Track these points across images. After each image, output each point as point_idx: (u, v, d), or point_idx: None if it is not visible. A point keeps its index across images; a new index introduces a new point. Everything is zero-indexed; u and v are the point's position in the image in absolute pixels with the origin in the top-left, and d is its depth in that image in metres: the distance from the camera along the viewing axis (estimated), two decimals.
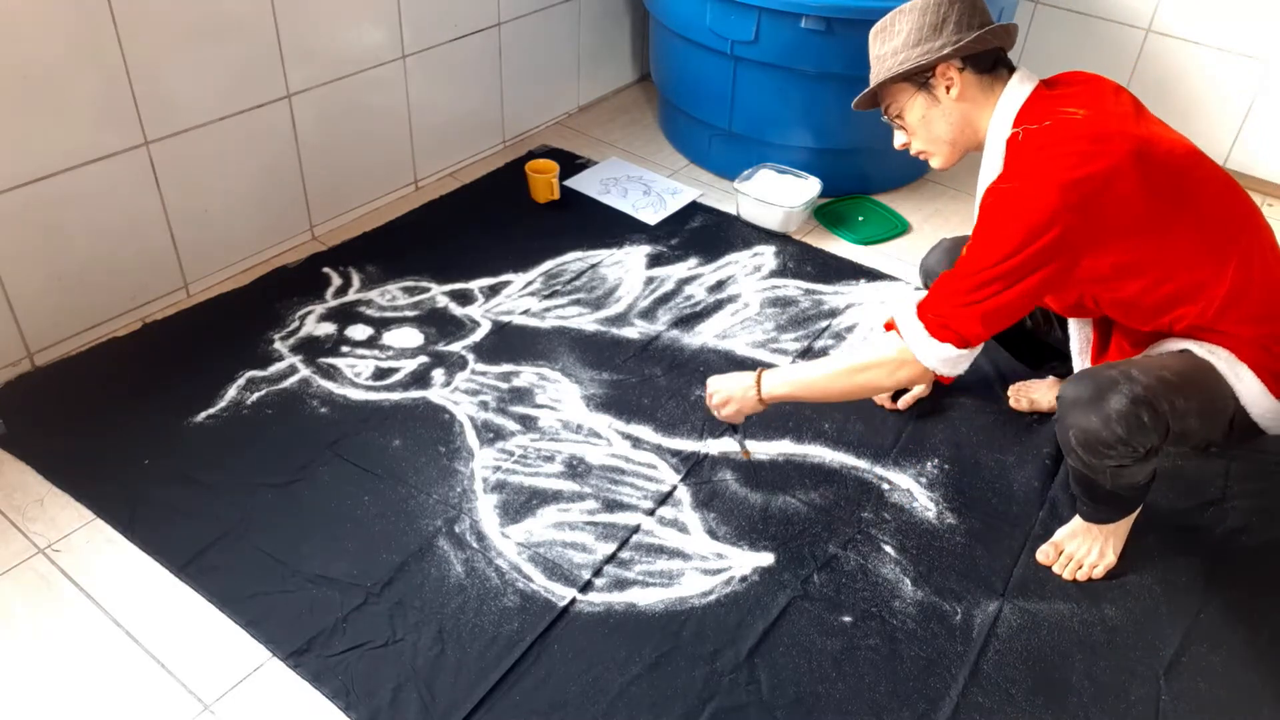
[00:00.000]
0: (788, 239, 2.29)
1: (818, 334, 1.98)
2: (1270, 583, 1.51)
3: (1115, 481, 1.38)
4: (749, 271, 2.16)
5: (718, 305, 2.05)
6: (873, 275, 2.17)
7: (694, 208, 2.40)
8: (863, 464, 1.68)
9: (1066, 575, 1.50)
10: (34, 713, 1.25)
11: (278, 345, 1.85)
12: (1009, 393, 1.82)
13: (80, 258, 1.78)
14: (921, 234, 2.36)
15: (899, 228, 2.37)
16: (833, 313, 2.04)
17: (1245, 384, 1.33)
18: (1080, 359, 1.55)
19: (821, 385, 1.44)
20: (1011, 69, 1.40)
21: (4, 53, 1.55)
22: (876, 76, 1.43)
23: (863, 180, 2.50)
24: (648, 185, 2.48)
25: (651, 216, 2.34)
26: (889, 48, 1.41)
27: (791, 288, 2.12)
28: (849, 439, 1.72)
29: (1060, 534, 1.54)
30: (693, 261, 2.19)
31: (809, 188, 2.32)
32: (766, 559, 1.50)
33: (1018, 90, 1.36)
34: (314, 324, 1.92)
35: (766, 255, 2.22)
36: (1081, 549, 1.51)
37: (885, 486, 1.64)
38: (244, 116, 1.93)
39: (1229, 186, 1.35)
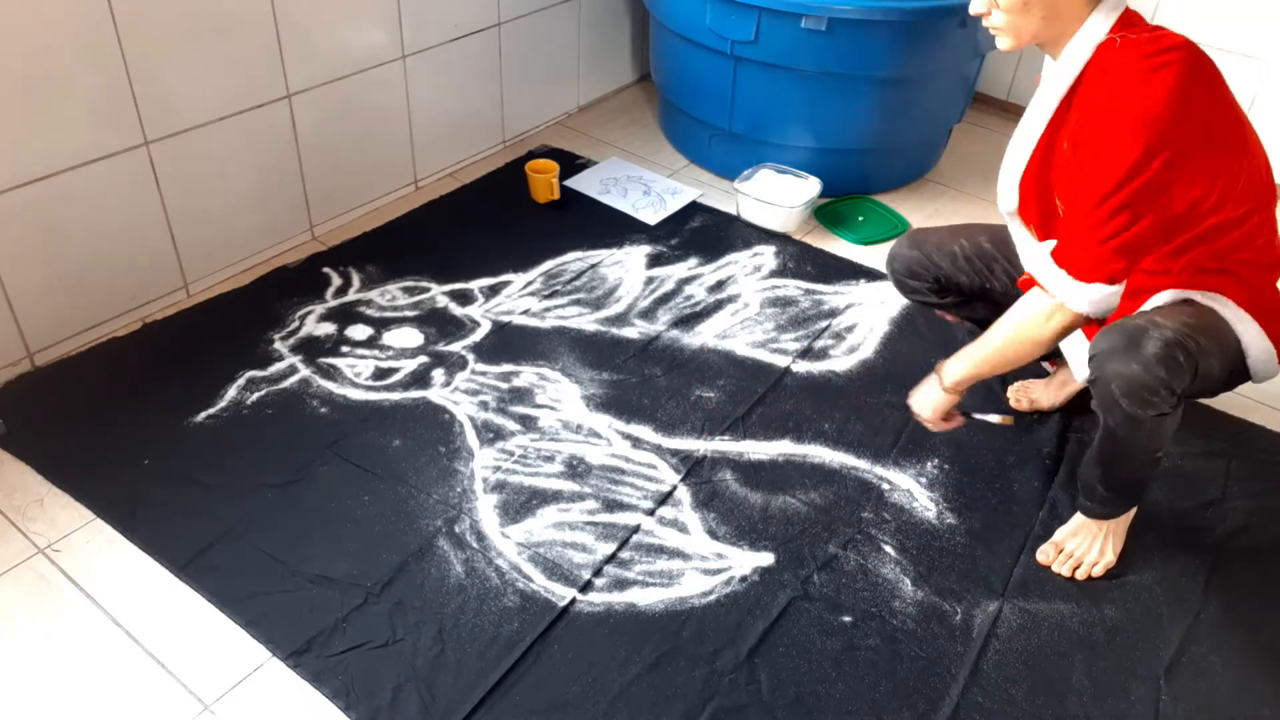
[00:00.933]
0: (788, 239, 2.29)
1: (818, 334, 1.98)
2: (1270, 582, 1.51)
3: (1152, 442, 1.38)
4: (749, 271, 2.16)
5: (718, 305, 2.05)
6: (873, 275, 2.17)
7: (694, 208, 2.40)
8: (863, 464, 1.68)
9: (1066, 573, 1.50)
10: (34, 713, 1.25)
11: (278, 345, 1.85)
12: (1009, 393, 1.82)
13: (80, 258, 1.78)
14: None
15: (899, 228, 2.37)
16: (833, 313, 2.04)
17: (1245, 326, 1.37)
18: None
19: (993, 359, 1.43)
20: None
21: (4, 53, 1.55)
22: None
23: (863, 180, 2.50)
24: (648, 185, 2.48)
25: (651, 216, 2.34)
26: None
27: (791, 288, 2.12)
28: (849, 439, 1.72)
29: (1060, 533, 1.54)
30: (693, 261, 2.19)
31: (809, 188, 2.32)
32: (766, 559, 1.50)
33: (1113, 6, 1.32)
34: (314, 324, 1.92)
35: (766, 255, 2.22)
36: (1081, 547, 1.51)
37: (885, 486, 1.64)
38: (244, 116, 1.93)
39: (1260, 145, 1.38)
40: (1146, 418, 1.33)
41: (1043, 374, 1.84)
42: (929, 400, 1.51)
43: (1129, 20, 1.33)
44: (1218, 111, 1.29)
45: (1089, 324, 1.37)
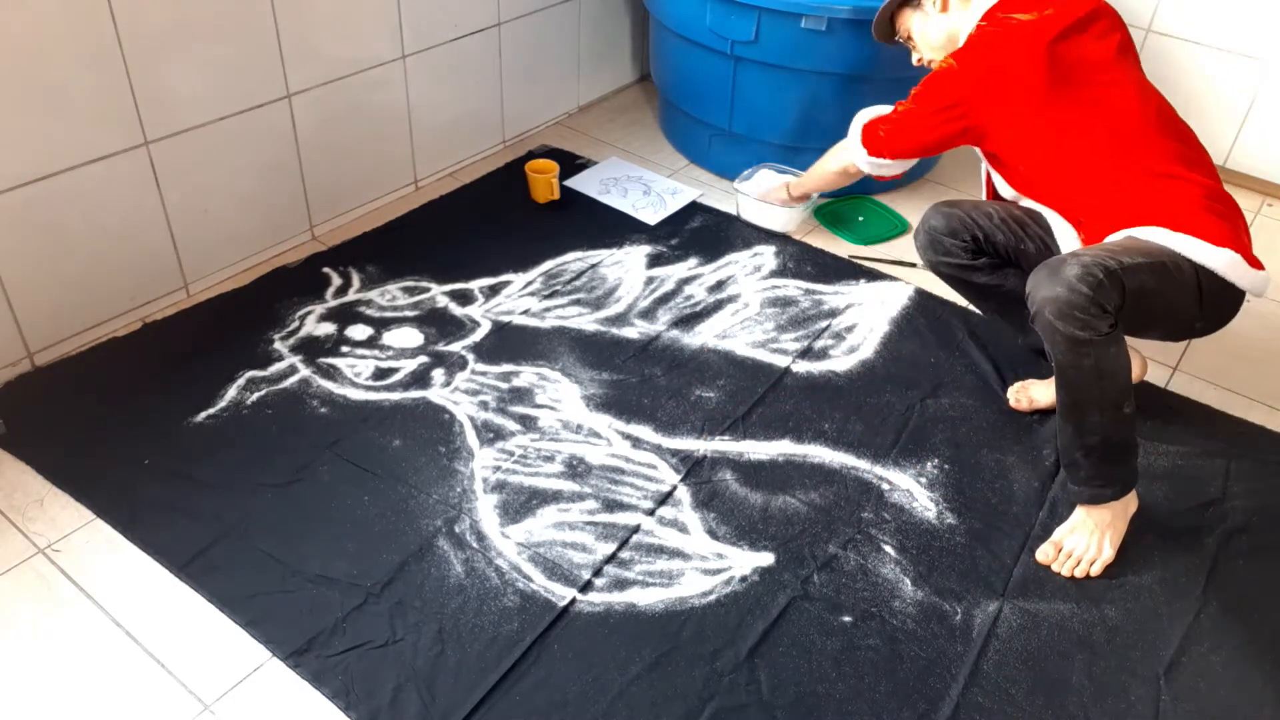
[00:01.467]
0: (788, 239, 2.29)
1: (818, 334, 1.98)
2: (1270, 582, 1.51)
3: (1104, 381, 1.42)
4: (749, 271, 2.16)
5: (718, 305, 2.05)
6: (873, 275, 2.17)
7: (694, 208, 2.40)
8: (863, 464, 1.68)
9: (1065, 573, 1.50)
10: (34, 713, 1.25)
11: (278, 345, 1.86)
12: (1009, 393, 1.82)
13: (80, 258, 1.78)
14: None
15: (899, 228, 2.37)
16: (833, 313, 2.04)
17: (1179, 241, 1.45)
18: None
19: (813, 178, 2.09)
20: None
21: (4, 53, 1.55)
22: (887, 8, 1.81)
23: (863, 180, 2.49)
24: (648, 185, 2.48)
25: (651, 216, 2.34)
26: None
27: (791, 288, 2.12)
28: (849, 439, 1.72)
29: (1059, 532, 1.55)
30: (693, 261, 2.19)
31: None
32: (766, 559, 1.50)
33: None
34: (314, 324, 1.92)
35: (766, 255, 2.22)
36: (1080, 544, 1.51)
37: (885, 486, 1.64)
38: (244, 116, 1.93)
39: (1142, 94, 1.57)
40: (1086, 339, 1.38)
41: (1044, 374, 1.84)
42: (773, 193, 2.19)
43: (1006, 4, 1.61)
44: (1025, 74, 1.54)
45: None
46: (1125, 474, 1.50)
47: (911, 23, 1.77)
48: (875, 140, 1.76)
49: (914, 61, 1.83)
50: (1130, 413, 1.46)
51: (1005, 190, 1.74)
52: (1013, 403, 1.82)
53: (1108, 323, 1.38)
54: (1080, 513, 1.53)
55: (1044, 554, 1.53)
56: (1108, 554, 1.51)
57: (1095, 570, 1.50)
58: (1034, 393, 1.81)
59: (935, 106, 1.64)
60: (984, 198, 1.83)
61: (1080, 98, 1.54)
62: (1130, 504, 1.54)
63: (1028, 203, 1.71)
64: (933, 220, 1.75)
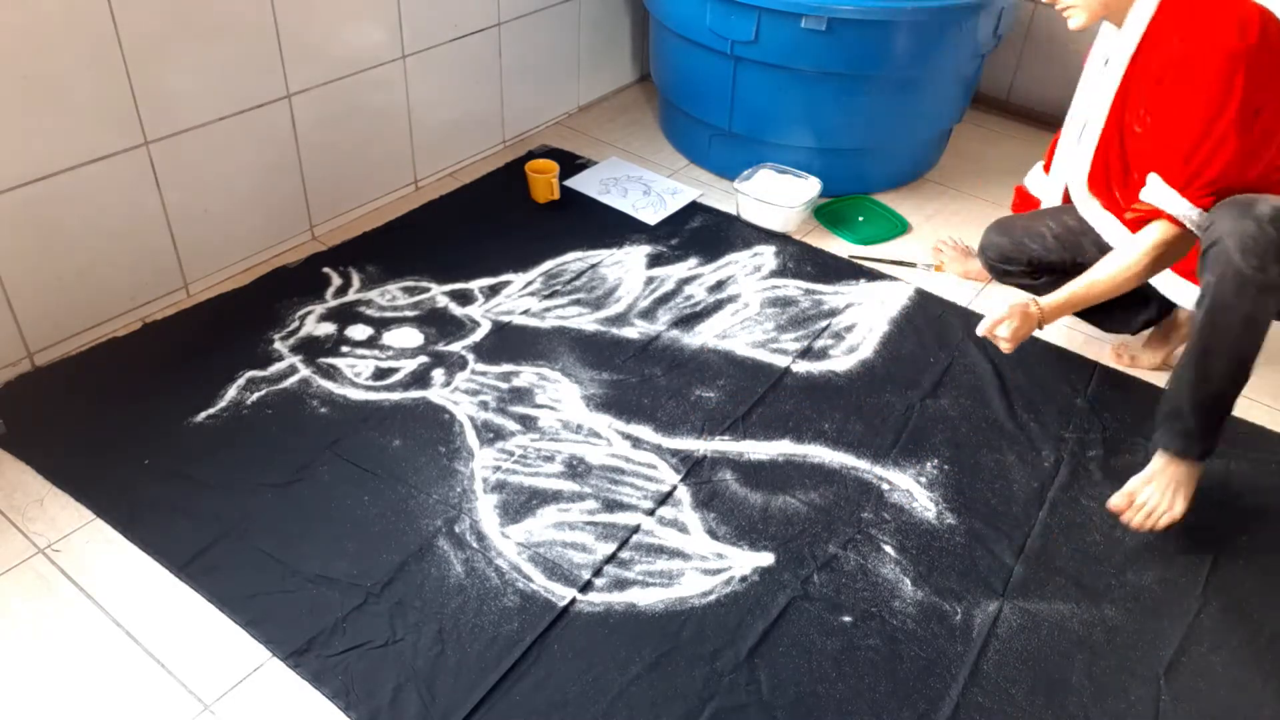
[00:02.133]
0: (788, 239, 2.29)
1: (818, 334, 1.98)
2: (1271, 582, 1.51)
3: (1248, 334, 1.42)
4: (749, 271, 2.16)
5: (718, 305, 2.05)
6: (873, 275, 2.18)
7: (694, 208, 2.40)
8: (863, 464, 1.68)
9: (1135, 523, 1.51)
10: (34, 713, 1.25)
11: (278, 345, 1.86)
12: (1110, 347, 1.94)
13: (80, 258, 1.78)
14: (921, 234, 2.36)
15: (899, 228, 2.37)
16: (832, 312, 2.04)
17: None
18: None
19: (1103, 293, 1.58)
20: None
21: (4, 53, 1.55)
22: None
23: (863, 180, 2.50)
24: (648, 185, 2.48)
25: (651, 216, 2.34)
26: None
27: (791, 287, 2.12)
28: (849, 439, 1.72)
29: (1134, 481, 1.54)
30: (693, 261, 2.19)
31: (809, 188, 2.32)
32: (766, 559, 1.50)
33: None
34: (314, 324, 1.92)
35: (766, 255, 2.22)
36: (1155, 496, 1.51)
37: (885, 486, 1.64)
38: (244, 116, 1.94)
39: None
40: (1256, 280, 1.37)
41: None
42: (1021, 329, 1.57)
43: None
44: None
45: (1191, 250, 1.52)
46: (1215, 438, 1.51)
47: None
48: (1204, 194, 1.47)
49: (1055, 4, 1.59)
50: (1247, 376, 1.47)
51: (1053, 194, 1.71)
52: (1114, 358, 1.92)
53: (1277, 275, 1.37)
54: (1159, 463, 1.52)
55: (1116, 503, 1.53)
56: (1178, 510, 1.50)
57: (1163, 523, 1.50)
58: (1136, 351, 1.92)
59: (1236, 109, 1.41)
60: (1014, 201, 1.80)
61: None
62: (1200, 471, 1.53)
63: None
64: (990, 251, 1.85)
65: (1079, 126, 1.71)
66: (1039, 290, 1.76)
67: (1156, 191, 1.52)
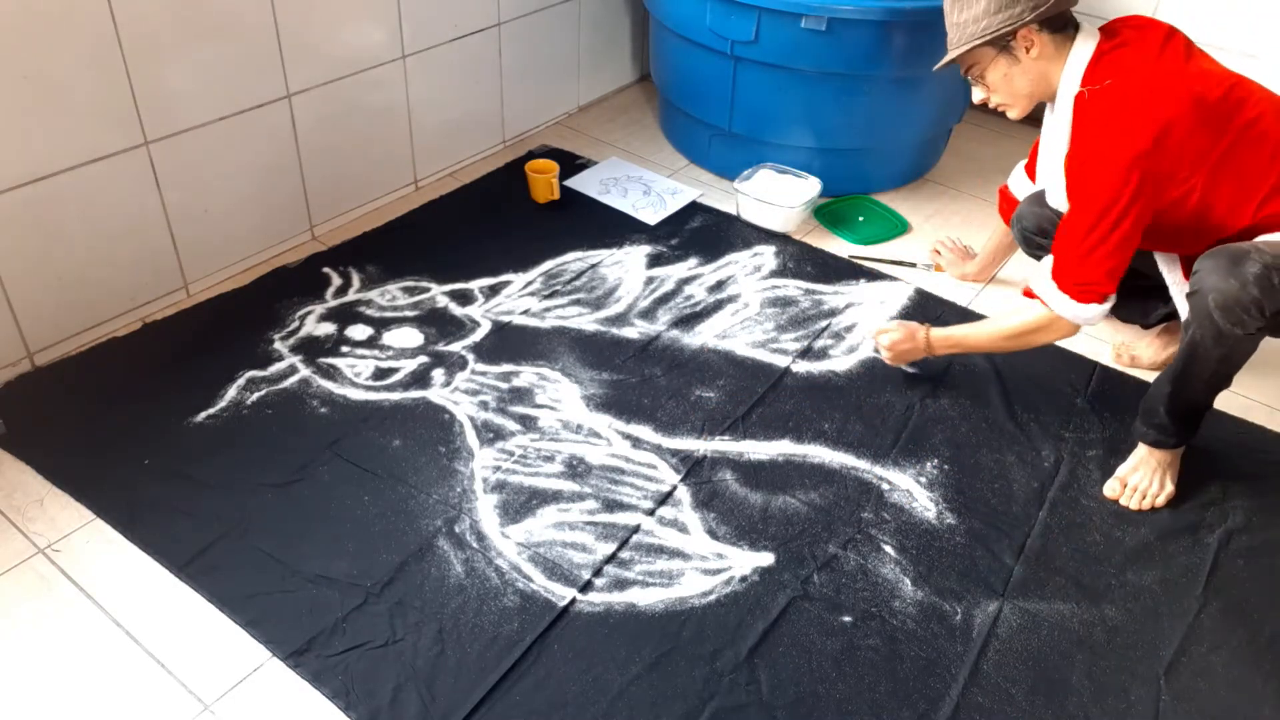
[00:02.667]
0: (788, 239, 2.29)
1: (818, 334, 1.98)
2: (1271, 582, 1.51)
3: (1224, 366, 1.52)
4: (749, 271, 2.16)
5: (718, 305, 2.05)
6: (873, 275, 2.17)
7: (694, 208, 2.40)
8: (863, 464, 1.68)
9: (1134, 506, 1.61)
10: (34, 713, 1.25)
11: (278, 345, 1.86)
12: (1112, 348, 1.96)
13: (80, 258, 1.78)
14: (921, 234, 2.36)
15: (899, 228, 2.37)
16: (832, 312, 2.04)
17: None
18: (1171, 275, 1.70)
19: (980, 345, 1.72)
20: (1077, 25, 1.55)
21: (4, 53, 1.55)
22: (959, 42, 1.58)
23: (863, 180, 2.50)
24: (648, 185, 2.48)
25: (651, 216, 2.34)
26: (969, 14, 1.55)
27: (791, 288, 2.12)
28: (849, 439, 1.72)
29: (1122, 469, 1.66)
30: (693, 261, 2.19)
31: (809, 188, 2.32)
32: (766, 559, 1.50)
33: (1084, 47, 1.52)
34: (314, 324, 1.92)
35: (766, 255, 2.22)
36: (1144, 480, 1.63)
37: (885, 486, 1.64)
38: (244, 116, 1.93)
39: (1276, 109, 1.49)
40: (1234, 335, 1.46)
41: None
42: (904, 348, 1.76)
43: (1109, 34, 1.53)
44: (1181, 138, 1.43)
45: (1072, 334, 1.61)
46: (1192, 432, 1.63)
47: (991, 64, 1.57)
48: (1080, 291, 1.53)
49: (976, 99, 1.66)
50: (1223, 388, 1.57)
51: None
52: (1114, 358, 1.94)
53: (1259, 325, 1.44)
54: (1142, 451, 1.65)
55: (1111, 489, 1.64)
56: (1170, 489, 1.62)
57: (1160, 502, 1.61)
58: (1137, 351, 1.94)
59: (1116, 216, 1.45)
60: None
61: (1237, 132, 1.46)
62: (1181, 452, 1.65)
63: None
64: (1025, 220, 1.86)
65: (1040, 171, 1.74)
66: None
67: (1042, 279, 1.58)
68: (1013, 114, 1.64)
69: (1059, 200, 1.63)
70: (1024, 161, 1.97)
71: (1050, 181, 1.67)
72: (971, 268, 2.16)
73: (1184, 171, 1.46)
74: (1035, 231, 1.86)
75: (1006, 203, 2.00)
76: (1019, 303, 1.64)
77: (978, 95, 1.65)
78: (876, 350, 1.80)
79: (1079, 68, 1.52)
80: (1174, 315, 1.87)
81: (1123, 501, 1.62)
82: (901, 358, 1.79)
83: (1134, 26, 1.53)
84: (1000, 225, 2.06)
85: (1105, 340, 2.00)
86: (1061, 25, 1.53)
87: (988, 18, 1.52)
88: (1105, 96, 1.46)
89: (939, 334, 1.75)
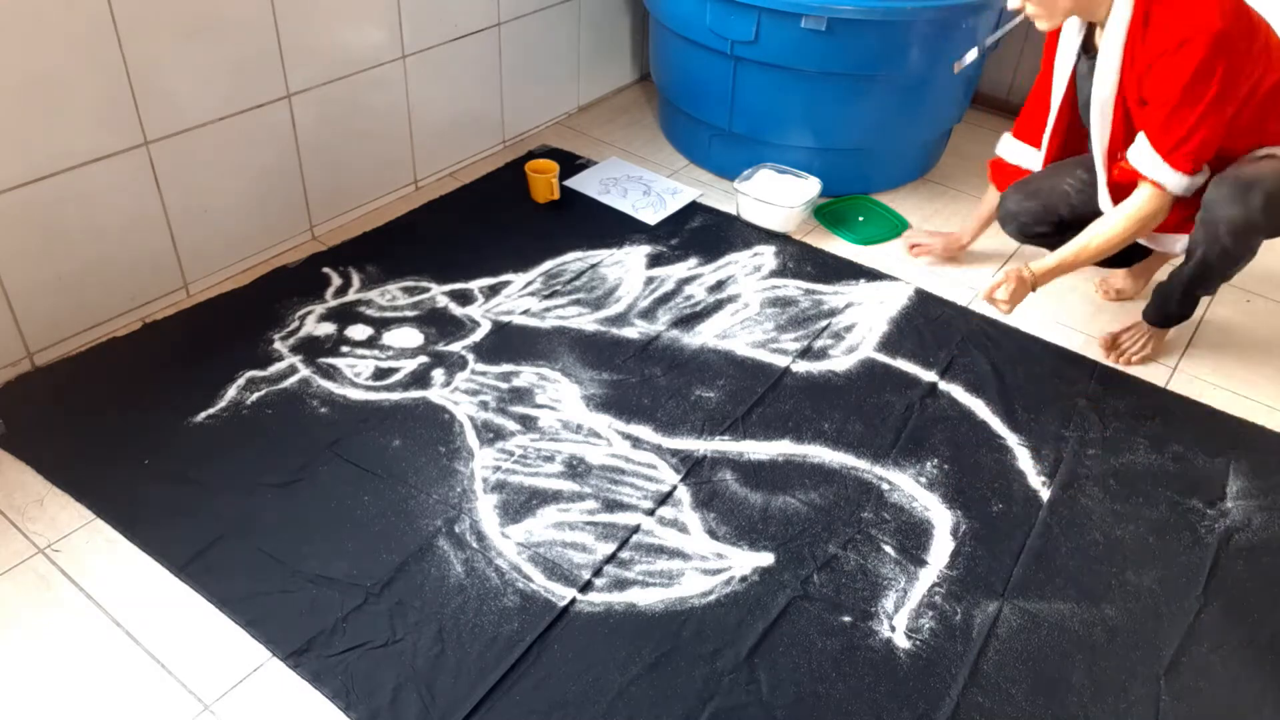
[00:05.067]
0: (788, 239, 2.29)
1: (817, 334, 1.98)
2: (1271, 582, 1.51)
3: (1228, 275, 1.78)
4: (749, 271, 2.16)
5: (718, 305, 2.05)
6: (873, 275, 2.18)
7: (694, 208, 2.40)
8: (863, 464, 1.68)
9: (1114, 360, 1.91)
10: (34, 713, 1.25)
11: (278, 345, 1.86)
12: (1096, 285, 2.14)
13: (80, 258, 1.78)
14: (921, 234, 2.36)
15: (899, 228, 2.37)
16: (832, 312, 2.04)
17: None
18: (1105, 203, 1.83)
19: (1088, 259, 1.77)
20: None
21: (4, 53, 1.55)
22: None
23: (863, 180, 2.50)
24: (648, 185, 2.48)
25: (651, 216, 2.34)
26: None
27: (791, 288, 2.12)
28: (849, 439, 1.72)
29: (1118, 330, 1.95)
30: (693, 261, 2.19)
31: (809, 188, 2.32)
32: (766, 559, 1.50)
33: None
34: (314, 324, 1.92)
35: (766, 255, 2.22)
36: (1133, 343, 1.93)
37: (885, 486, 1.64)
38: (244, 116, 1.93)
39: None
40: (1240, 252, 1.69)
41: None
42: (1020, 297, 1.78)
43: None
44: (1254, 28, 1.58)
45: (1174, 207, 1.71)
46: (1187, 315, 1.90)
47: None
48: (1191, 163, 1.63)
49: (1012, 5, 1.69)
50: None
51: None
52: (1101, 295, 2.11)
53: (1262, 241, 1.68)
54: (1140, 323, 1.93)
55: (1103, 342, 1.94)
56: (1148, 352, 1.91)
57: (1135, 360, 1.91)
58: (1116, 283, 2.12)
59: (1216, 87, 1.56)
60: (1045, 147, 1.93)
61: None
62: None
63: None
64: (1023, 215, 1.94)
65: (1091, 109, 1.77)
66: (1063, 238, 1.84)
67: (1142, 153, 1.67)
68: (1043, 24, 1.68)
69: (1101, 137, 1.74)
70: (1008, 132, 2.05)
71: (1100, 116, 1.73)
72: (965, 238, 2.21)
73: (1249, 67, 1.57)
74: (1034, 222, 1.93)
75: (1002, 173, 2.04)
76: (1113, 209, 1.74)
77: (1014, 2, 1.67)
78: (992, 303, 1.81)
79: None
80: (1149, 253, 2.05)
81: (1110, 358, 1.90)
82: (1016, 304, 1.81)
83: None
84: (992, 192, 2.11)
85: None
86: None
87: None
88: None
89: (1042, 266, 1.78)
